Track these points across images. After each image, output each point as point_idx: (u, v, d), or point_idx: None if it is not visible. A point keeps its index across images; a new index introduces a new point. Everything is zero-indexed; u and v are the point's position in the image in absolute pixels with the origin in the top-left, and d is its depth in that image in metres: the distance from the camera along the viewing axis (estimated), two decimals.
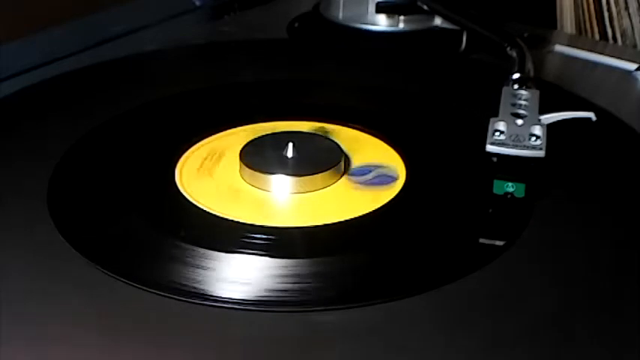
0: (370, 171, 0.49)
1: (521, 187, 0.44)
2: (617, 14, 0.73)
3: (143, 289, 0.39)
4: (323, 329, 0.37)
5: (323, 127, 0.53)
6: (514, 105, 0.48)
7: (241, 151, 0.48)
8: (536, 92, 0.50)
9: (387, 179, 0.48)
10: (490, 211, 0.45)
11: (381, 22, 0.69)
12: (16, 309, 0.38)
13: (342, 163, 0.48)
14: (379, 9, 0.68)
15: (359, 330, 0.37)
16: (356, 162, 0.49)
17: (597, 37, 0.74)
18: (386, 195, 0.46)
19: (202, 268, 0.40)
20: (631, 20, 0.73)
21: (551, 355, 0.36)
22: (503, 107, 0.48)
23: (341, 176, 0.48)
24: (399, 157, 0.50)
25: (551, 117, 0.48)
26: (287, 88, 0.59)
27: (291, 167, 0.47)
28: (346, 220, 0.44)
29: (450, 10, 0.67)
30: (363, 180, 0.48)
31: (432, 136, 0.52)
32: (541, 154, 0.44)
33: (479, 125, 0.47)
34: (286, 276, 0.40)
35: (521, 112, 0.47)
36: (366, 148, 0.51)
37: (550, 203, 0.45)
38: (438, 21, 0.69)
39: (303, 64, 0.64)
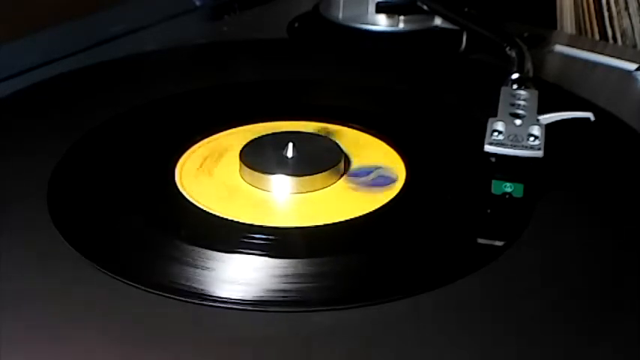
0: (370, 172, 0.49)
1: (520, 187, 0.44)
2: (617, 14, 0.73)
3: (143, 289, 0.39)
4: (323, 329, 0.37)
5: (326, 128, 0.53)
6: (513, 105, 0.48)
7: (241, 151, 0.49)
8: (535, 92, 0.50)
9: (386, 180, 0.48)
10: (489, 211, 0.45)
11: (381, 22, 0.69)
12: (16, 309, 0.38)
13: (342, 164, 0.48)
14: (379, 9, 0.68)
15: (359, 330, 0.37)
16: (356, 163, 0.49)
17: (597, 37, 0.74)
18: (385, 197, 0.46)
19: (202, 268, 0.40)
20: (631, 20, 0.73)
21: (551, 355, 0.36)
22: (502, 107, 0.48)
23: (341, 176, 0.48)
24: (398, 157, 0.50)
25: (549, 117, 0.48)
26: (287, 88, 0.59)
27: (291, 167, 0.47)
28: (346, 220, 0.44)
29: (450, 10, 0.67)
30: (362, 181, 0.48)
31: (431, 135, 0.52)
32: (539, 154, 0.44)
33: (478, 125, 0.47)
34: (286, 276, 0.40)
35: (520, 112, 0.47)
36: (367, 150, 0.51)
37: (549, 203, 0.45)
38: (438, 21, 0.69)
39: (303, 64, 0.64)
